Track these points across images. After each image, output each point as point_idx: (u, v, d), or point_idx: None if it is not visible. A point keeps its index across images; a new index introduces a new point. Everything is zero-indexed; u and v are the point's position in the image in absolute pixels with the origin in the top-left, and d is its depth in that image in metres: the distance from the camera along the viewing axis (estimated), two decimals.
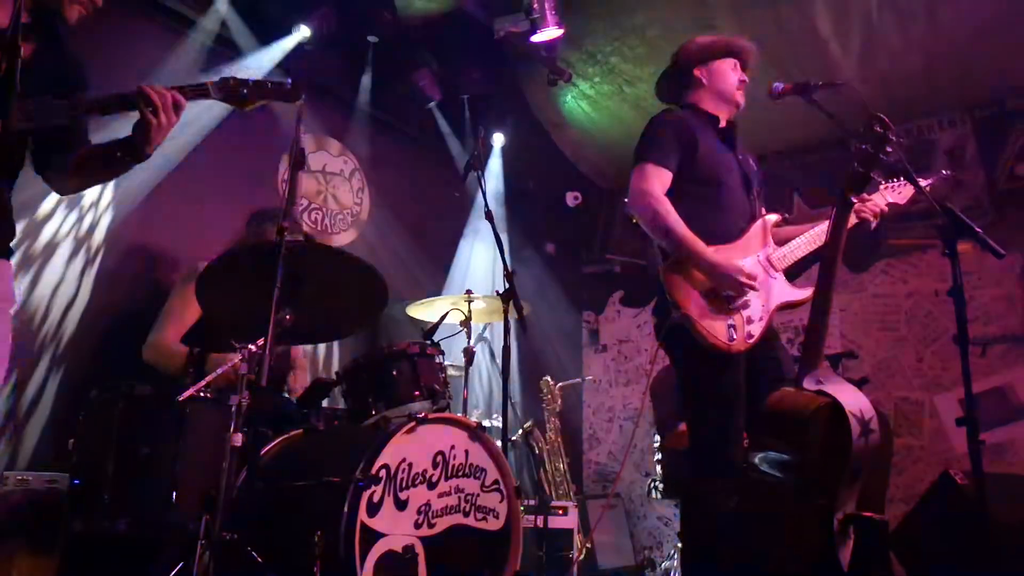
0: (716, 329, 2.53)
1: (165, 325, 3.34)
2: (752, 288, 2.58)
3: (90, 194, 3.64)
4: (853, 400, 1.99)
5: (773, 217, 2.84)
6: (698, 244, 2.60)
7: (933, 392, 5.10)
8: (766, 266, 2.73)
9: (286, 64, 4.37)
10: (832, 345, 5.36)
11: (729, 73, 2.95)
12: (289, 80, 2.31)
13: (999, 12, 4.38)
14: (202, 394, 2.73)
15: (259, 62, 4.29)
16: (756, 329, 2.60)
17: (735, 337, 2.54)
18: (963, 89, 5.09)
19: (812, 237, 2.79)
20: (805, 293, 2.66)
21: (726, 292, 2.56)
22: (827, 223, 2.64)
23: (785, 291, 2.72)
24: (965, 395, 2.24)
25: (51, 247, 3.49)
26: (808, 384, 2.05)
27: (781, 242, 2.81)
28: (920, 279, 5.29)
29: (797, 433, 1.93)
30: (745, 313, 2.60)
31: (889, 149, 2.32)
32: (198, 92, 2.10)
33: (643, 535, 5.95)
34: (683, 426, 4.31)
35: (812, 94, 2.81)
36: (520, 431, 4.83)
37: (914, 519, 3.29)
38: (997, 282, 4.96)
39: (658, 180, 2.70)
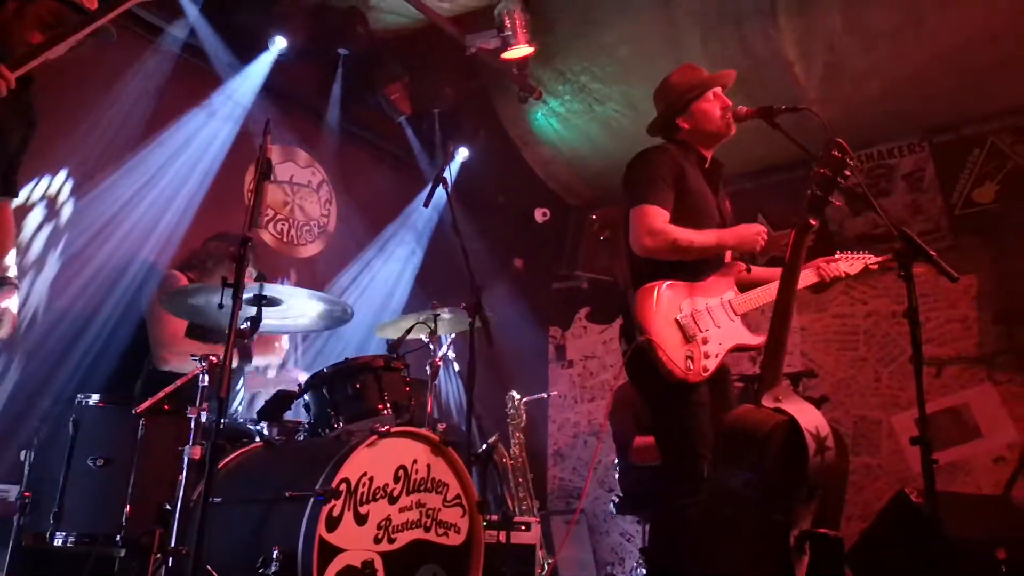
0: (675, 357, 2.60)
1: (168, 333, 3.33)
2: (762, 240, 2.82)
3: (58, 203, 3.59)
4: (810, 418, 2.02)
5: (740, 266, 2.93)
6: (719, 233, 2.83)
7: (890, 412, 5.19)
8: (727, 309, 2.82)
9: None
10: (792, 364, 5.44)
11: (711, 110, 2.98)
12: None
13: (959, 40, 4.52)
14: (159, 406, 2.68)
15: (234, 76, 4.28)
16: (711, 364, 2.68)
17: (691, 368, 2.62)
18: (923, 115, 5.22)
19: (773, 288, 2.87)
20: (759, 339, 2.79)
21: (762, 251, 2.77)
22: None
23: (742, 334, 2.82)
24: (919, 415, 2.28)
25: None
26: (767, 401, 2.08)
27: (748, 286, 2.91)
28: (879, 300, 5.40)
29: (755, 450, 1.96)
30: (703, 347, 2.68)
31: (847, 173, 2.38)
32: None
33: (606, 551, 5.95)
34: (638, 440, 4.35)
35: (775, 117, 2.87)
36: (484, 446, 4.82)
37: (870, 536, 3.33)
38: (952, 305, 5.08)
39: (661, 219, 2.78)
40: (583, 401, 6.46)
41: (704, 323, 2.72)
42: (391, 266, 5.31)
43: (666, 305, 2.68)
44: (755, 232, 2.83)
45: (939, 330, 5.09)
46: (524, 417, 5.14)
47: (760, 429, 1.99)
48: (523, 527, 4.36)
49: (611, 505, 4.69)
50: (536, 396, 5.46)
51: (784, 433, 1.99)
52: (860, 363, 5.38)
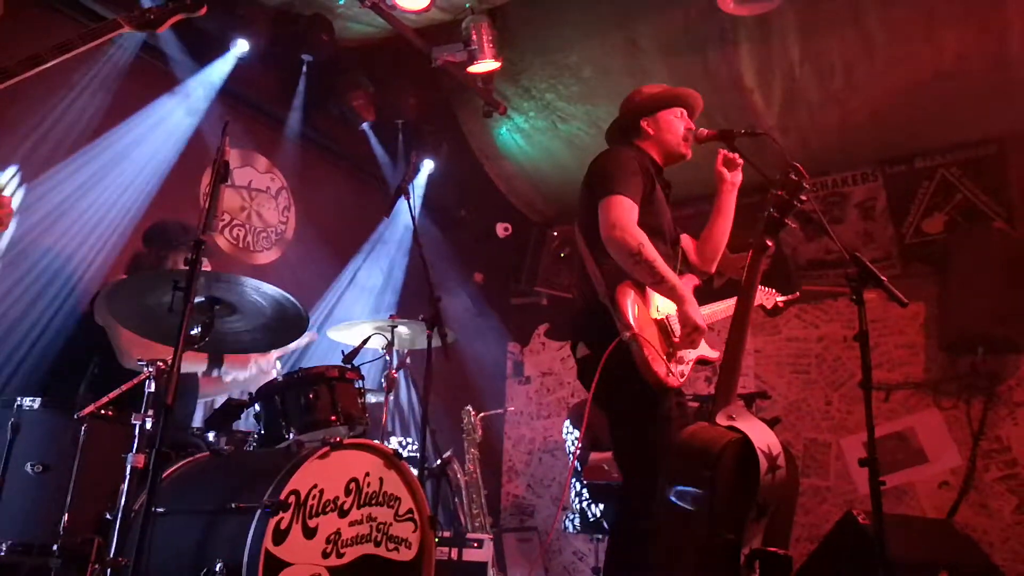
0: (656, 360, 2.58)
1: (127, 341, 3.19)
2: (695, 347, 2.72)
3: None
4: (762, 437, 2.04)
5: (694, 280, 2.97)
6: (681, 284, 2.67)
7: (839, 434, 5.28)
8: None
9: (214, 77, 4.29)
10: (747, 385, 5.51)
11: (675, 123, 3.00)
12: None
13: (909, 75, 4.66)
14: (102, 411, 2.60)
15: (191, 78, 4.20)
16: (685, 371, 2.73)
17: (672, 372, 2.62)
18: (877, 145, 5.36)
19: (729, 305, 2.94)
20: (716, 354, 2.86)
21: (685, 333, 2.63)
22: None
23: (704, 347, 2.86)
24: (868, 437, 2.32)
25: None
26: (720, 419, 2.10)
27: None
28: (831, 325, 5.51)
29: (707, 467, 1.97)
30: (678, 354, 2.72)
31: (804, 197, 2.42)
32: (109, 28, 2.15)
33: (558, 569, 5.93)
34: (594, 456, 4.36)
35: (733, 140, 2.93)
36: (439, 461, 4.77)
37: (818, 557, 3.38)
38: (901, 331, 5.20)
39: (632, 213, 2.69)
40: (539, 418, 6.46)
41: (676, 330, 2.73)
42: (351, 273, 5.26)
43: (644, 308, 2.68)
44: (697, 322, 2.63)
45: (888, 356, 5.21)
46: (480, 432, 5.11)
47: (713, 446, 2.00)
48: (476, 544, 4.33)
49: (570, 525, 4.67)
50: (493, 412, 5.44)
51: (737, 450, 2.00)
52: (811, 386, 5.48)
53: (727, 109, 5.04)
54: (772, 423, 3.95)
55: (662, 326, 2.71)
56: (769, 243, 2.29)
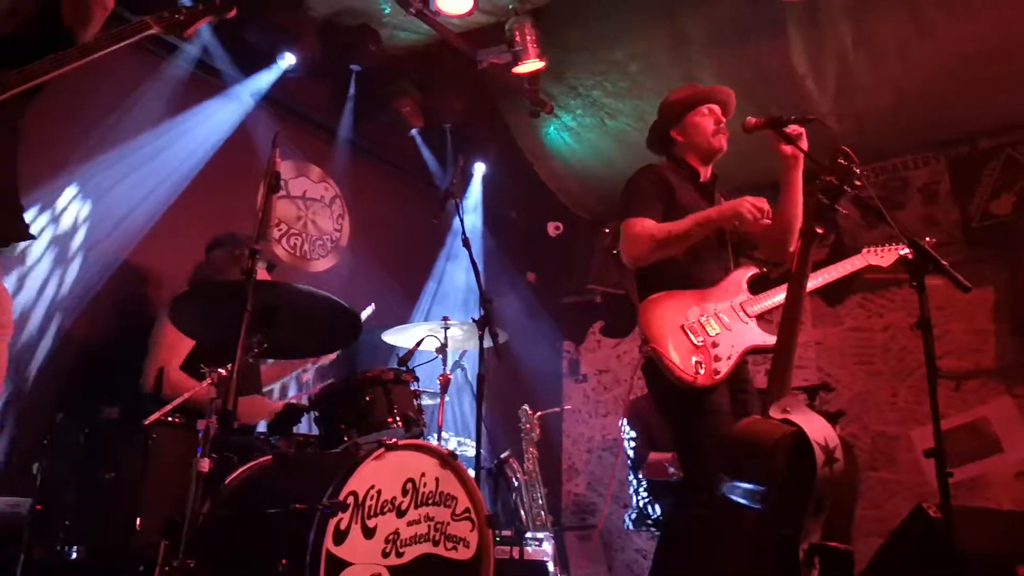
0: (683, 363, 2.59)
1: (163, 356, 3.29)
2: (759, 213, 2.72)
3: (66, 217, 3.63)
4: (818, 429, 2.00)
5: (751, 270, 2.93)
6: (695, 216, 2.76)
7: (909, 426, 5.12)
8: (738, 311, 2.81)
9: (268, 91, 4.40)
10: (809, 378, 5.39)
11: (703, 122, 3.02)
12: None
13: (968, 53, 4.49)
14: (169, 418, 2.70)
15: (241, 90, 4.32)
16: (723, 367, 2.66)
17: (701, 372, 2.59)
18: (936, 127, 5.19)
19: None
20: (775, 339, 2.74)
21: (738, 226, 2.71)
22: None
23: (756, 336, 2.79)
24: (934, 427, 2.25)
25: (22, 269, 3.47)
26: (774, 412, 2.06)
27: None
28: (896, 313, 5.34)
29: (762, 461, 1.94)
30: (713, 351, 2.67)
31: (858, 183, 2.36)
32: (137, 29, 2.18)
33: (621, 568, 5.90)
34: (653, 455, 4.32)
35: (783, 128, 2.86)
36: (497, 460, 4.80)
37: (887, 552, 3.28)
38: (970, 317, 5.02)
39: (644, 224, 2.81)
40: (597, 416, 6.44)
41: (712, 327, 2.72)
42: (405, 277, 5.34)
43: (671, 314, 2.70)
44: (737, 203, 2.73)
45: (956, 343, 5.03)
46: (538, 432, 5.12)
47: (767, 440, 1.97)
48: (536, 542, 4.34)
49: (626, 521, 4.65)
50: (550, 411, 5.44)
51: (792, 444, 1.97)
52: (877, 377, 5.32)
53: (779, 98, 4.94)
54: (836, 416, 3.86)
55: (689, 332, 2.69)
56: (819, 230, 2.24)
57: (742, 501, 1.99)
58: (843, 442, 2.04)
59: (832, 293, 5.54)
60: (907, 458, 5.08)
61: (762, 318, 2.83)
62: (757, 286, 2.93)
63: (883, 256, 3.12)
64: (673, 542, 2.58)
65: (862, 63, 4.76)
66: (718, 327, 2.72)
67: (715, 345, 2.68)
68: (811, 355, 5.55)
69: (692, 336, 2.67)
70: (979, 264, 4.91)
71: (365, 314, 3.74)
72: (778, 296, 2.87)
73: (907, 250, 2.96)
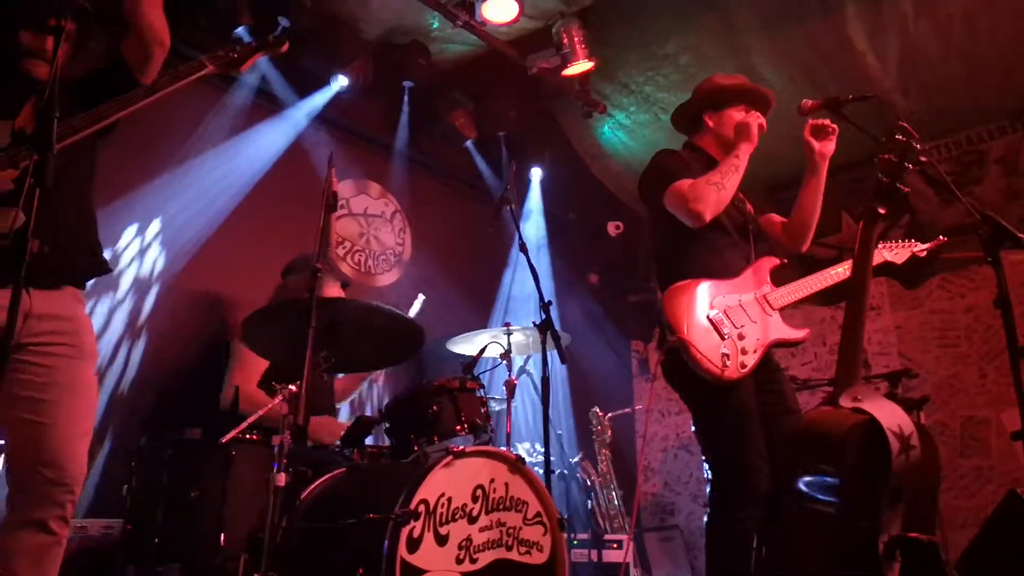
0: (710, 355, 2.53)
1: (238, 375, 3.43)
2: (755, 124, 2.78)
3: (140, 247, 3.81)
4: (891, 416, 1.92)
5: (773, 260, 2.85)
6: (729, 157, 2.77)
7: (999, 409, 4.88)
8: (762, 303, 2.74)
9: (324, 113, 4.52)
10: (890, 364, 5.20)
11: (738, 119, 2.92)
12: (280, 28, 2.46)
13: None
14: (246, 436, 2.79)
15: (298, 114, 4.45)
16: (749, 360, 2.59)
17: (728, 364, 2.53)
18: (1010, 96, 4.95)
19: (812, 281, 2.82)
20: (800, 333, 2.74)
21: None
22: (831, 269, 2.81)
23: (781, 329, 2.72)
24: (1020, 409, 2.14)
25: (104, 297, 3.65)
26: (844, 402, 1.99)
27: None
28: (978, 293, 5.11)
29: (835, 453, 1.88)
30: (740, 343, 2.60)
31: (923, 159, 2.27)
32: (195, 69, 2.25)
33: (703, 568, 5.78)
34: None
35: (841, 108, 2.78)
36: (569, 463, 4.79)
37: (980, 542, 3.12)
38: None
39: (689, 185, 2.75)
40: (670, 414, 6.34)
41: (738, 319, 2.64)
42: (468, 286, 5.38)
43: (697, 303, 2.62)
44: (745, 125, 2.79)
45: None
46: (609, 433, 5.09)
47: (837, 430, 1.91)
48: (614, 545, 4.31)
49: (706, 519, 4.57)
50: (621, 411, 5.40)
51: (864, 433, 1.90)
52: (963, 360, 5.09)
53: (839, 76, 4.79)
54: (920, 403, 3.70)
55: (715, 323, 2.61)
56: (880, 210, 2.16)
57: (814, 495, 1.93)
58: (921, 428, 1.96)
59: (910, 276, 5.33)
60: (999, 443, 4.84)
61: (784, 311, 2.76)
62: (778, 278, 2.85)
63: (897, 252, 3.00)
64: (718, 549, 2.54)
65: (926, 34, 4.58)
66: (744, 319, 2.65)
67: (741, 338, 2.61)
68: (892, 340, 5.36)
69: (718, 328, 2.59)
70: None
71: (415, 308, 3.81)
72: (799, 290, 2.80)
73: (921, 247, 2.98)
